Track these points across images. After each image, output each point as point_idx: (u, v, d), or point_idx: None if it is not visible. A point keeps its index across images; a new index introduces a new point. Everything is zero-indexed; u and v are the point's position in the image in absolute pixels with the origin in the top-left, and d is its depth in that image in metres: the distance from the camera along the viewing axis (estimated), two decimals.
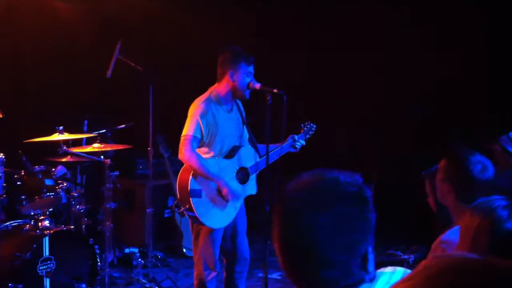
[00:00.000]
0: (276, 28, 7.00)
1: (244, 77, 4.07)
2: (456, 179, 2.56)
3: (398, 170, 6.77)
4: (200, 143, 4.04)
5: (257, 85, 4.08)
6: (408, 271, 1.39)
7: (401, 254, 5.89)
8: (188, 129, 4.01)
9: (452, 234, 2.38)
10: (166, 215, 6.41)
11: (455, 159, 2.61)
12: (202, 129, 4.01)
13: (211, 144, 4.07)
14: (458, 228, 2.16)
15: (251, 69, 4.10)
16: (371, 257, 1.33)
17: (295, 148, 4.40)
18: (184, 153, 3.97)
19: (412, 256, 5.70)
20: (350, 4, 6.76)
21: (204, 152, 4.05)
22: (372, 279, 1.34)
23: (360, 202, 1.33)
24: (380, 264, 1.40)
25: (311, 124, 4.57)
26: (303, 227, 1.31)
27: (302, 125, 4.55)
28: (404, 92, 6.69)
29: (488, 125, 6.03)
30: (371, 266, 1.33)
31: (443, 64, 6.48)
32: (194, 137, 3.98)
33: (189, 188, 3.95)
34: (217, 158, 4.08)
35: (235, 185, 4.14)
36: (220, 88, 4.14)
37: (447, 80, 6.57)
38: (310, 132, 4.56)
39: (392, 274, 1.38)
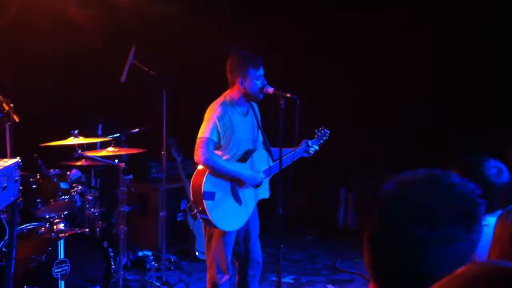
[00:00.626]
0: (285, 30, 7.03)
1: (254, 82, 4.09)
2: (483, 192, 2.51)
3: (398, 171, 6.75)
4: (216, 146, 4.07)
5: (270, 90, 4.09)
6: None
7: None
8: (204, 132, 4.03)
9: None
10: (179, 219, 6.44)
11: (469, 166, 2.57)
12: (219, 132, 4.03)
13: (226, 147, 4.09)
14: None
15: (260, 71, 4.10)
16: None
17: (309, 153, 4.42)
18: (200, 155, 3.99)
19: None
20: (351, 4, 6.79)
21: (220, 156, 4.08)
22: None
23: (474, 223, 1.18)
24: None
25: (325, 130, 4.58)
26: (410, 241, 1.14)
27: (316, 130, 4.56)
28: (404, 92, 6.69)
29: (488, 125, 6.03)
30: None
31: (444, 64, 6.48)
32: (210, 139, 4.01)
33: (202, 190, 3.97)
34: (230, 161, 4.11)
35: (248, 190, 4.17)
36: (233, 93, 4.16)
37: (447, 80, 6.57)
38: (324, 138, 4.57)
39: None
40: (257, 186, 4.20)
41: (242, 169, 4.09)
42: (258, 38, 6.62)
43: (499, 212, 2.12)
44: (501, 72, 6.27)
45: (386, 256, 1.18)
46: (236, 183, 4.11)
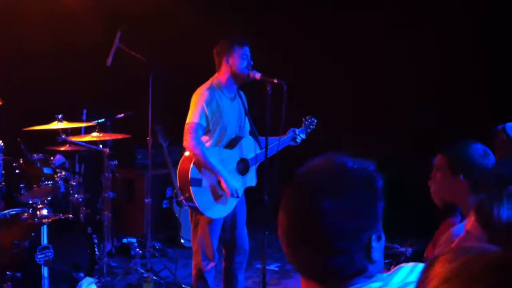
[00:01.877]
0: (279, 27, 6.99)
1: (239, 59, 4.05)
2: (466, 169, 2.53)
3: (394, 163, 6.78)
4: (205, 131, 4.02)
5: (258, 75, 4.05)
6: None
7: (399, 247, 5.90)
8: (193, 117, 3.98)
9: (463, 228, 2.36)
10: (164, 206, 6.41)
11: (458, 150, 2.59)
12: (207, 116, 3.99)
13: (213, 132, 4.05)
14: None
15: (245, 51, 4.07)
16: (376, 245, 1.29)
17: (296, 142, 4.40)
18: (189, 140, 3.94)
19: (409, 249, 5.70)
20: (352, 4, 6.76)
21: (205, 140, 4.03)
22: (383, 272, 1.31)
23: (367, 189, 1.30)
24: None
25: (313, 119, 4.57)
26: (308, 211, 1.29)
27: (304, 119, 4.55)
28: (404, 91, 6.69)
29: (490, 125, 6.04)
30: (376, 255, 1.30)
31: (446, 64, 6.48)
32: (199, 124, 3.96)
33: (189, 176, 3.93)
34: (218, 147, 4.07)
35: (236, 177, 4.14)
36: (220, 76, 4.13)
37: (447, 80, 6.57)
38: (311, 127, 4.55)
39: (414, 268, 1.32)
40: (246, 170, 4.17)
41: (226, 175, 4.03)
42: (259, 37, 6.55)
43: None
44: (503, 72, 6.28)
45: (296, 224, 1.32)
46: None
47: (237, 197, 4.09)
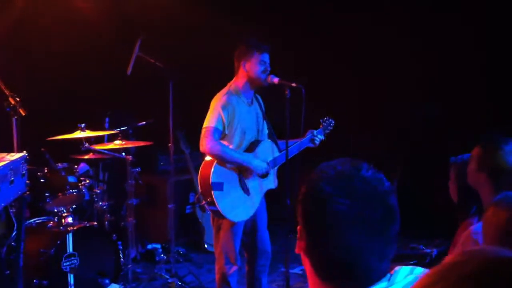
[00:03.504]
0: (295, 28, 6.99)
1: (257, 65, 4.07)
2: (492, 168, 2.53)
3: (419, 164, 6.73)
4: (221, 136, 4.04)
5: (276, 80, 4.07)
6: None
7: (424, 248, 5.85)
8: (209, 121, 4.01)
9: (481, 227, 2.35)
10: (187, 211, 6.44)
11: (490, 148, 2.58)
12: (224, 121, 4.01)
13: (232, 137, 4.08)
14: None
15: (264, 57, 4.09)
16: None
17: (314, 143, 4.40)
18: (205, 144, 3.97)
19: (434, 250, 5.66)
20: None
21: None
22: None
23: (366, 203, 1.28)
24: (402, 257, 1.37)
25: (330, 120, 4.57)
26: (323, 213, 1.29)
27: (321, 120, 4.55)
28: (409, 91, 6.65)
29: (490, 124, 5.98)
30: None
31: (444, 63, 6.43)
32: (215, 128, 3.99)
33: (211, 181, 3.96)
34: (237, 151, 4.09)
35: (256, 181, 4.15)
36: (237, 81, 4.16)
37: (448, 79, 6.52)
38: (329, 128, 4.56)
39: (413, 269, 1.32)
40: (263, 176, 4.18)
41: (250, 157, 4.07)
42: (278, 37, 6.57)
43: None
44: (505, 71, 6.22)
45: (307, 211, 1.34)
46: (243, 173, 4.10)
47: (265, 175, 4.11)
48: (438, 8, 6.44)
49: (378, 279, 1.29)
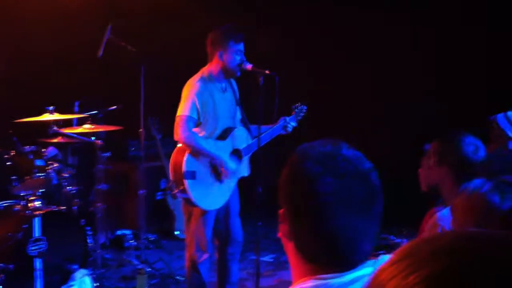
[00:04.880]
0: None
1: (233, 56, 4.03)
2: (452, 162, 2.59)
3: (387, 154, 6.78)
4: (195, 123, 4.00)
5: (249, 66, 4.04)
6: None
7: (394, 238, 5.90)
8: (183, 109, 3.95)
9: (448, 214, 2.39)
10: (158, 197, 6.39)
11: (448, 141, 2.66)
12: (198, 108, 3.96)
13: (205, 124, 4.03)
14: (450, 208, 2.17)
15: (240, 47, 4.04)
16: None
17: (287, 130, 4.38)
18: (180, 133, 3.92)
19: (405, 239, 5.71)
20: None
21: (197, 132, 4.01)
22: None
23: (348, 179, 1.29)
24: (374, 248, 1.37)
25: (302, 106, 4.55)
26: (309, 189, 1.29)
27: (293, 106, 4.52)
28: (407, 87, 6.69)
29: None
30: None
31: (449, 64, 6.48)
32: (190, 117, 3.93)
33: (183, 169, 3.92)
34: (211, 139, 4.05)
35: (232, 164, 4.12)
36: (211, 67, 4.10)
37: (448, 78, 6.58)
38: (301, 114, 4.53)
39: None
40: (239, 159, 4.16)
41: (223, 156, 4.03)
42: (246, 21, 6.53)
43: None
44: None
45: (291, 192, 1.35)
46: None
47: (234, 177, 4.10)
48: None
49: (361, 260, 1.30)
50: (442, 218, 2.48)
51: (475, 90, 6.37)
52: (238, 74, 4.09)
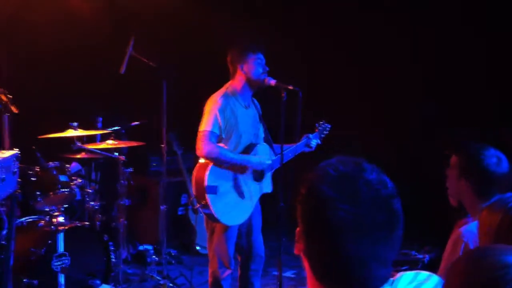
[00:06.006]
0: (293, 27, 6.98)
1: (254, 65, 4.03)
2: (473, 175, 2.56)
3: (410, 169, 6.73)
4: (218, 139, 4.00)
5: (272, 82, 4.04)
6: (435, 276, 1.33)
7: (416, 253, 5.84)
8: (206, 125, 3.96)
9: (471, 228, 2.37)
10: (179, 213, 6.40)
11: (469, 154, 2.62)
12: (220, 124, 3.96)
13: (228, 140, 4.03)
14: (477, 223, 2.14)
15: (260, 56, 4.05)
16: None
17: (310, 147, 4.37)
18: (202, 147, 3.92)
19: (427, 255, 5.65)
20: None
21: None
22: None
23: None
24: (394, 263, 1.34)
25: (326, 124, 4.55)
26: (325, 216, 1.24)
27: (317, 124, 4.52)
28: (408, 90, 6.66)
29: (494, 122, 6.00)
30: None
31: (449, 64, 6.44)
32: (212, 132, 3.93)
33: (205, 184, 3.91)
34: (234, 152, 4.05)
35: (251, 184, 4.12)
36: (235, 83, 4.11)
37: (448, 78, 6.54)
38: (325, 132, 4.53)
39: (417, 275, 1.30)
40: (261, 177, 4.15)
41: (248, 156, 4.04)
42: (270, 32, 6.55)
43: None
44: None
45: (306, 213, 1.29)
46: (239, 176, 4.05)
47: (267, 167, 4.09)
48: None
49: (379, 285, 1.26)
50: (466, 234, 2.45)
51: (475, 90, 6.32)
52: (264, 84, 4.07)
